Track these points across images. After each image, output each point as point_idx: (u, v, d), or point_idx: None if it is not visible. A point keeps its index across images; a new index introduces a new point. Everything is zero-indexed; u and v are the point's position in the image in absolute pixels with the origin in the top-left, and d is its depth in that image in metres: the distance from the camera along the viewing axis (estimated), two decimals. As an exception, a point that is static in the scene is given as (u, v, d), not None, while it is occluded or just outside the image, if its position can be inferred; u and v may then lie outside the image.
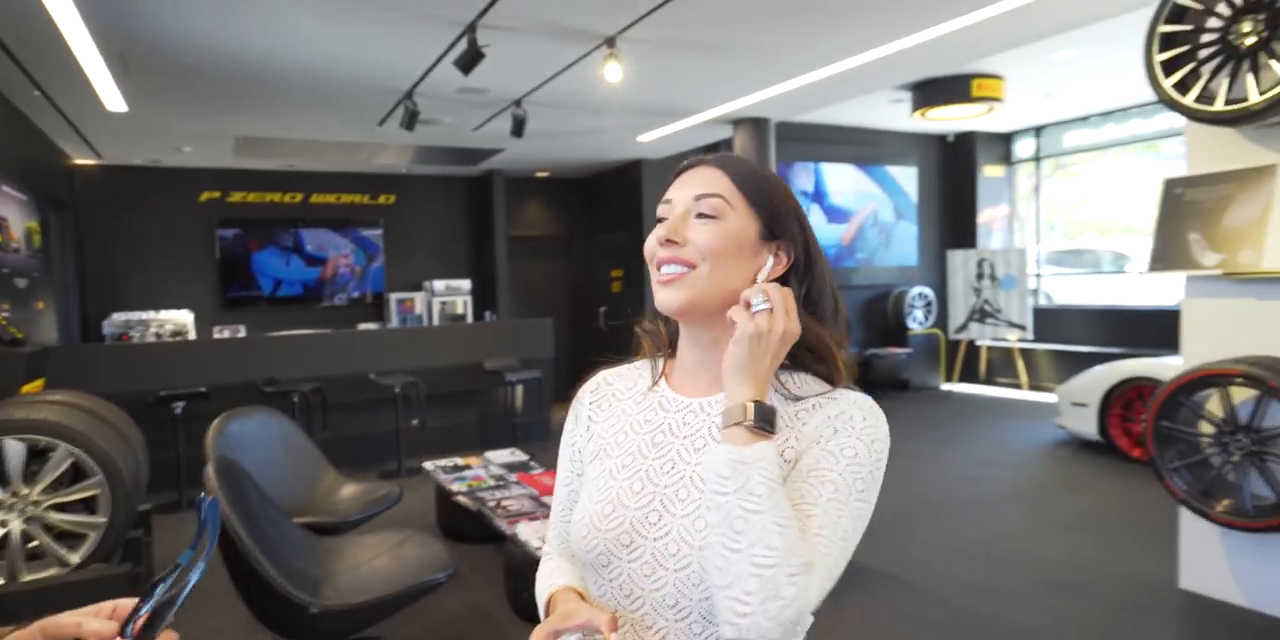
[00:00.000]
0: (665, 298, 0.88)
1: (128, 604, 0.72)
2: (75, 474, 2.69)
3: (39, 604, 2.52)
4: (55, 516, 2.65)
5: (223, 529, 2.55)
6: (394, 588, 2.72)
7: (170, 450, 4.95)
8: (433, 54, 4.25)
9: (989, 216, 8.46)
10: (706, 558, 0.77)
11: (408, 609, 3.11)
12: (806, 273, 0.91)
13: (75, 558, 2.65)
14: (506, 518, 3.49)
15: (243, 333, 7.14)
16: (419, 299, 7.88)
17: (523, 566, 3.21)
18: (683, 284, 0.87)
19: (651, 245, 0.90)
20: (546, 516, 3.50)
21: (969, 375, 8.45)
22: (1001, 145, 8.52)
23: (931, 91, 6.41)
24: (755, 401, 0.78)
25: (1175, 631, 2.84)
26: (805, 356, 0.90)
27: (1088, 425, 5.23)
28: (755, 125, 6.19)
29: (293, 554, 2.87)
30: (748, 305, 0.82)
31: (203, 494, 0.85)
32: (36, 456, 2.66)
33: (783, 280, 0.90)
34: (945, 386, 8.41)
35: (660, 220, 0.91)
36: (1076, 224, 8.47)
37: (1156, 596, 3.08)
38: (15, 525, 2.60)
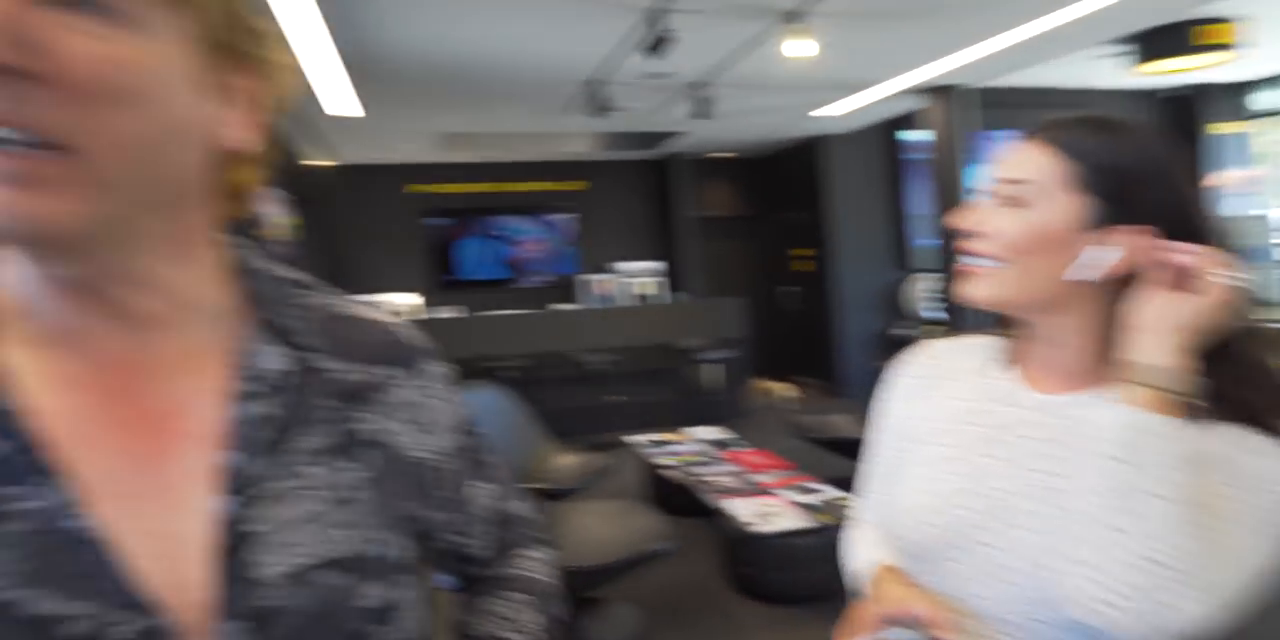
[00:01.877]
0: (963, 292, 0.79)
1: None
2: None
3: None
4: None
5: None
6: (621, 553, 2.83)
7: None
8: (614, 41, 4.28)
9: (1221, 180, 7.47)
10: (1073, 522, 0.69)
11: (629, 577, 3.23)
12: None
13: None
14: (716, 492, 3.52)
15: (453, 314, 7.66)
16: (610, 280, 8.03)
17: (736, 543, 3.25)
18: (984, 281, 0.78)
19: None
20: (755, 494, 3.49)
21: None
22: (1234, 99, 7.46)
23: (1149, 43, 5.65)
24: (1180, 369, 0.66)
25: None
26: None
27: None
28: (949, 94, 5.80)
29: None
30: (1210, 266, 0.68)
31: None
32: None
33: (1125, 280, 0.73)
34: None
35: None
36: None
37: None
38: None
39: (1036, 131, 0.78)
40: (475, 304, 7.77)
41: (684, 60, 4.59)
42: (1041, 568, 0.71)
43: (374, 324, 0.62)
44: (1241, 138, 7.52)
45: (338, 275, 7.55)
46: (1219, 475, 0.67)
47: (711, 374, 6.55)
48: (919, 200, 7.16)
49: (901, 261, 7.53)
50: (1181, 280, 0.69)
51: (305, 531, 0.50)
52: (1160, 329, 0.68)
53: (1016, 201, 0.75)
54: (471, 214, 8.06)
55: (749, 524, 3.13)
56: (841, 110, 6.32)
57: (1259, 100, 7.44)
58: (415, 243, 7.90)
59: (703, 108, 5.19)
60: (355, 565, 0.52)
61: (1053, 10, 4.14)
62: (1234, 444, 0.69)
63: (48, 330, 0.48)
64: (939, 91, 5.82)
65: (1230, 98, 7.45)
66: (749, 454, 4.15)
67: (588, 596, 3.26)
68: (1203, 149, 7.40)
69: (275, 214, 5.35)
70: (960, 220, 0.79)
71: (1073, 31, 4.50)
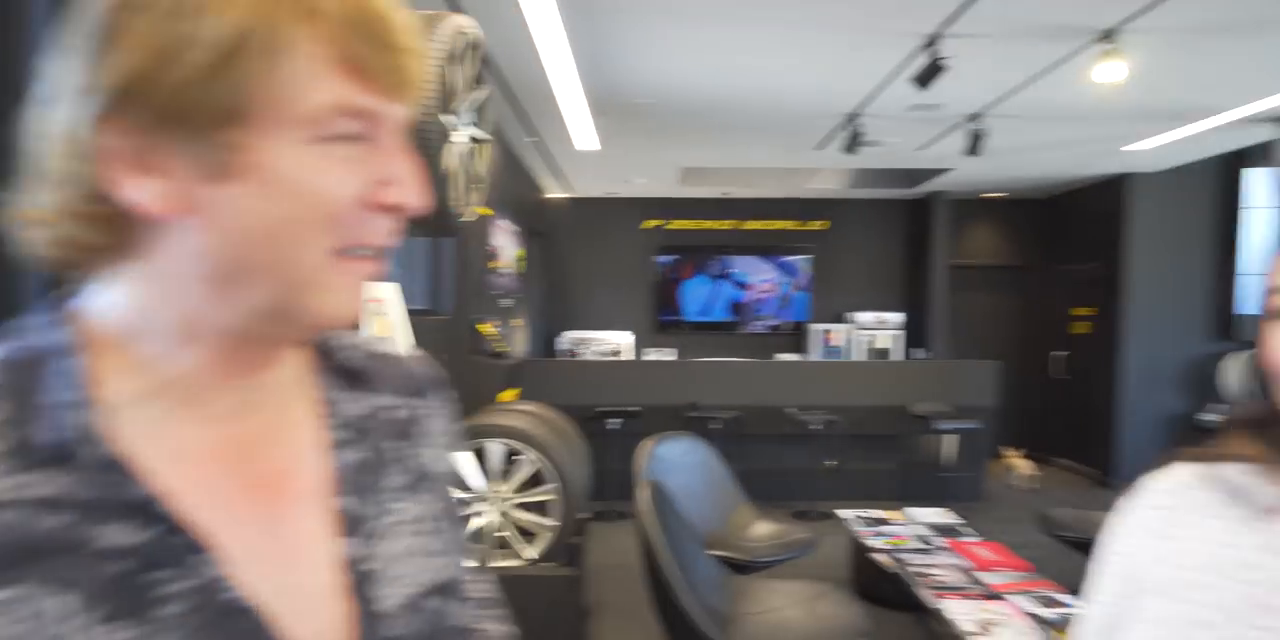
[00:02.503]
0: (1270, 358, 0.68)
1: None
2: (534, 479, 3.21)
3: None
4: (520, 515, 3.19)
5: (648, 551, 2.78)
6: (808, 644, 2.70)
7: (601, 463, 5.63)
8: (884, 72, 4.24)
9: None
10: None
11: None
12: None
13: (531, 553, 3.15)
14: (933, 588, 3.25)
15: (672, 356, 7.85)
16: (842, 331, 7.87)
17: (949, 651, 2.97)
18: None
19: None
20: (980, 596, 3.18)
21: None
22: None
23: None
24: None
25: None
26: None
27: None
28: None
29: (705, 586, 3.01)
30: None
31: None
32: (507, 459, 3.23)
33: None
34: None
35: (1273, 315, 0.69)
36: None
37: None
38: (493, 517, 3.18)
39: None
40: (694, 347, 7.91)
41: (960, 90, 4.45)
42: None
43: (400, 359, 0.69)
44: None
45: (557, 308, 8.07)
46: None
47: (949, 447, 6.13)
48: (1258, 255, 6.32)
49: (1224, 331, 6.66)
50: None
51: (408, 563, 0.59)
52: None
53: None
54: (703, 252, 8.24)
55: (968, 632, 2.85)
56: (1156, 143, 5.75)
57: None
58: (641, 280, 8.21)
59: (975, 142, 5.00)
60: (449, 589, 0.61)
61: None
62: None
63: (173, 405, 0.52)
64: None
65: None
66: (978, 545, 3.79)
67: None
68: None
69: (507, 246, 5.88)
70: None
71: None
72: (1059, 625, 2.89)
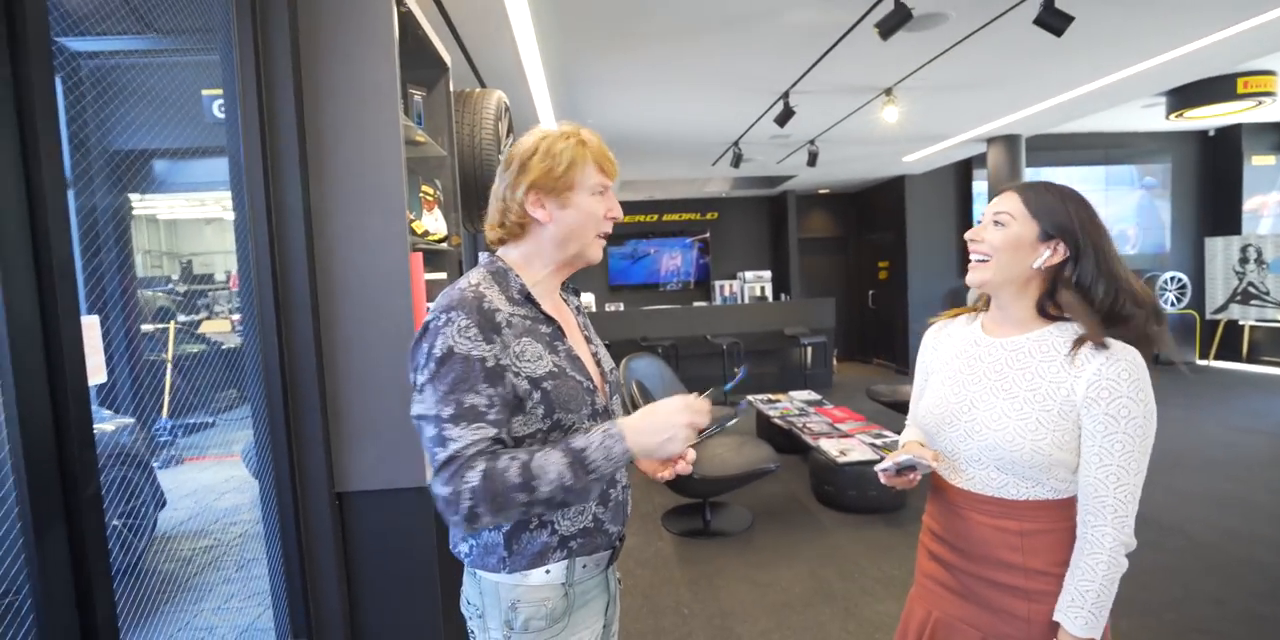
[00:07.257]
0: (971, 277, 1.02)
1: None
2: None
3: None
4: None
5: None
6: (742, 469, 3.08)
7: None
8: (754, 114, 4.45)
9: (1256, 203, 6.68)
10: (1009, 409, 0.97)
11: (743, 489, 3.49)
12: (1077, 263, 0.96)
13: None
14: (810, 435, 3.72)
15: (622, 307, 8.11)
16: (733, 284, 8.21)
17: (823, 469, 3.40)
18: (982, 268, 1.00)
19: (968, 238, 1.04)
20: (841, 436, 3.63)
21: (1229, 354, 6.84)
22: (1274, 135, 6.64)
23: (1190, 93, 5.13)
24: None
25: None
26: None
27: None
28: (1007, 141, 5.61)
29: (678, 443, 3.40)
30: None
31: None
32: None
33: (1059, 268, 0.97)
34: (1201, 363, 6.91)
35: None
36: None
37: None
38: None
39: (1009, 187, 1.02)
40: (635, 301, 8.13)
41: (802, 125, 4.70)
42: (995, 431, 0.99)
43: None
44: (1275, 168, 6.68)
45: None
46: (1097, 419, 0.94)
47: (808, 355, 6.58)
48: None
49: (964, 272, 7.22)
50: None
51: (606, 359, 1.06)
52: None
53: (999, 222, 0.99)
54: (635, 236, 8.46)
55: (834, 456, 3.32)
56: (919, 155, 6.20)
57: (1296, 136, 6.57)
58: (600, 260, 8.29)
59: (812, 158, 5.31)
60: (613, 369, 1.09)
61: (1105, 75, 3.92)
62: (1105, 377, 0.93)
63: (538, 291, 0.97)
64: (997, 140, 5.64)
65: (1269, 134, 6.63)
66: (834, 410, 4.28)
67: (717, 501, 3.57)
68: (1244, 177, 6.65)
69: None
70: (970, 234, 1.02)
71: (1123, 88, 4.20)
72: (883, 447, 3.38)
